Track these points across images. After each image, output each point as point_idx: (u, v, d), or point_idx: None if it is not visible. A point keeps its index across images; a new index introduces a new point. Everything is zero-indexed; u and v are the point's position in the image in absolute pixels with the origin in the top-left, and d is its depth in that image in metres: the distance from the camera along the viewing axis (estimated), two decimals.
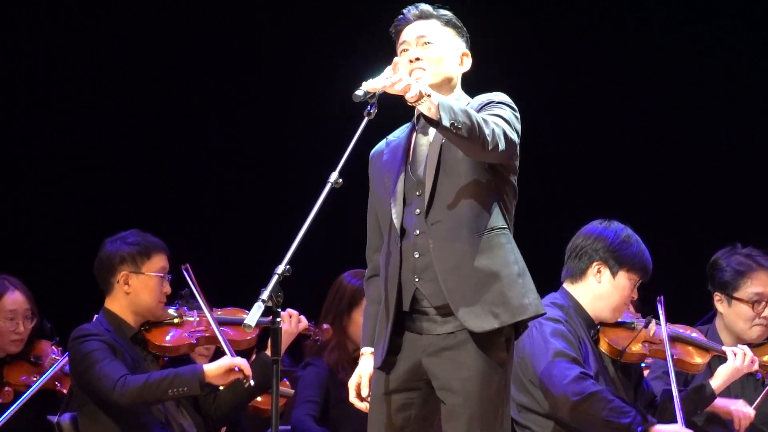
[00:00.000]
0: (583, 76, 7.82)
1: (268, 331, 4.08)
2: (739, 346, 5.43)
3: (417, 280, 4.17)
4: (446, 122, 3.93)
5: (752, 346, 5.61)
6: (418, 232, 4.17)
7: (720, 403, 5.44)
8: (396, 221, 4.19)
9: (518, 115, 4.21)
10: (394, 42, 4.35)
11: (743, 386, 5.62)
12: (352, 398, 4.28)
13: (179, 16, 7.90)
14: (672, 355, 5.31)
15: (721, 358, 5.44)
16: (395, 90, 4.00)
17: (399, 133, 4.35)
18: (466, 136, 3.97)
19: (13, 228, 7.62)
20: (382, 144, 4.37)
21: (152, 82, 7.91)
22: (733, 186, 7.68)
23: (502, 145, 4.05)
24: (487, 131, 4.01)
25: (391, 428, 4.19)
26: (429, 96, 3.97)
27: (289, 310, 5.51)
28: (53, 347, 5.67)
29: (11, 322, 5.62)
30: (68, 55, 7.82)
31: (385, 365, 4.20)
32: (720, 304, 5.69)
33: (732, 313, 5.64)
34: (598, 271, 5.23)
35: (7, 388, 5.51)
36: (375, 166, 4.34)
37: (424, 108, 3.98)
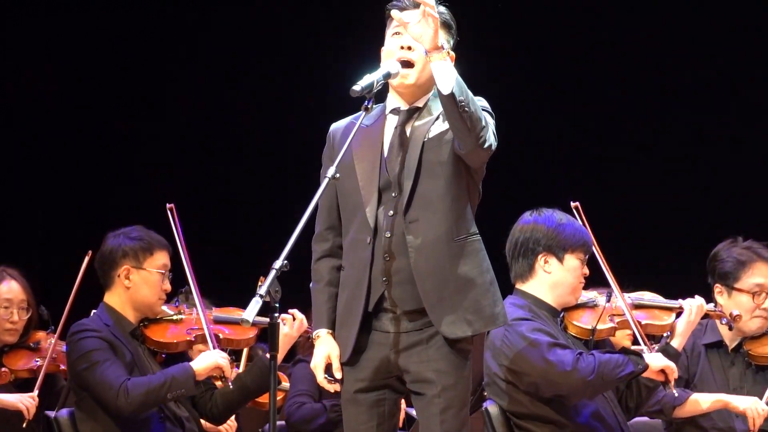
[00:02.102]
0: (580, 74, 7.82)
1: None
2: (696, 297, 5.45)
3: (386, 282, 4.15)
4: (458, 95, 3.94)
5: (751, 338, 5.64)
6: (389, 234, 4.15)
7: (733, 401, 5.47)
8: (371, 221, 4.16)
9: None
10: (386, 21, 4.27)
11: (741, 377, 5.62)
12: (321, 380, 4.22)
13: (184, 18, 7.93)
14: (640, 321, 5.35)
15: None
16: (427, 14, 3.96)
17: (367, 120, 4.25)
18: (468, 120, 3.98)
19: (18, 220, 7.64)
20: (346, 122, 4.29)
21: (152, 80, 7.94)
22: (735, 182, 7.69)
23: (489, 145, 4.08)
24: (484, 126, 4.04)
25: (368, 426, 4.20)
26: (449, 54, 4.01)
27: (293, 312, 5.50)
28: (50, 335, 5.66)
29: (6, 311, 5.63)
30: (68, 53, 7.85)
31: (350, 361, 4.20)
32: (720, 295, 5.68)
33: (732, 304, 5.62)
34: (546, 262, 5.21)
35: (3, 369, 5.51)
36: (338, 144, 4.23)
37: (439, 65, 3.98)
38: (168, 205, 5.42)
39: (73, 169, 7.85)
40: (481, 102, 4.19)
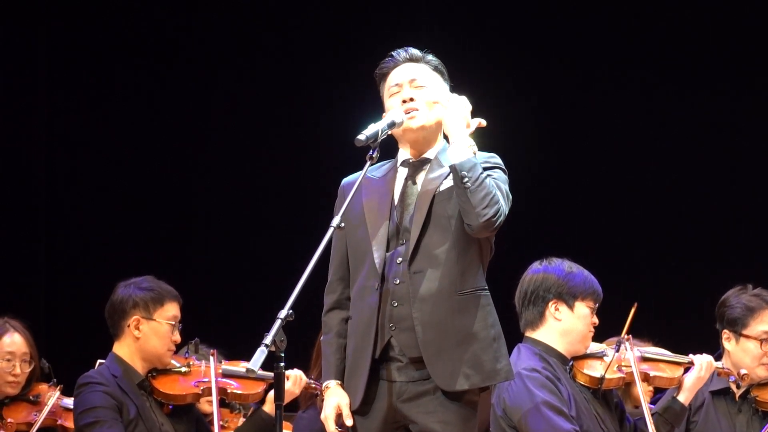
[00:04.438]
0: (576, 113, 7.85)
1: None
2: (704, 355, 5.45)
3: (393, 329, 4.15)
4: (461, 169, 4.04)
5: (758, 384, 5.62)
6: (398, 281, 4.16)
7: None
8: (378, 267, 4.17)
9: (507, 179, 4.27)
10: (379, 85, 4.36)
11: (748, 424, 5.60)
12: (332, 430, 4.21)
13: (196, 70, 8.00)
14: (648, 373, 5.37)
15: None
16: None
17: (378, 172, 4.32)
18: (470, 196, 4.05)
19: (23, 271, 7.67)
20: (356, 176, 4.29)
21: (162, 131, 7.98)
22: (745, 227, 7.67)
23: (494, 226, 4.11)
24: (489, 205, 4.07)
25: None
26: (471, 146, 4.14)
27: (296, 372, 5.47)
28: (51, 388, 5.65)
29: (8, 363, 5.61)
30: (76, 101, 7.91)
31: (360, 411, 4.19)
32: (728, 342, 5.67)
33: (739, 351, 5.62)
34: (556, 309, 5.23)
35: (9, 420, 5.50)
36: (348, 196, 4.22)
37: (457, 144, 4.09)
38: (211, 351, 5.42)
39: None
40: (494, 159, 4.24)
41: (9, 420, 5.50)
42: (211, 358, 5.39)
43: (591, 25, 7.82)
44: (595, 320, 5.29)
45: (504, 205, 4.13)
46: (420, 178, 4.26)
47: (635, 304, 5.37)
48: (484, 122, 4.23)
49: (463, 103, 4.21)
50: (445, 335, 4.12)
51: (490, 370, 4.14)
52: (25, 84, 7.84)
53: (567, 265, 5.29)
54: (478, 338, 4.13)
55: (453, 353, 4.11)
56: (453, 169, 4.08)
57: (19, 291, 7.51)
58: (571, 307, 5.22)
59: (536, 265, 5.34)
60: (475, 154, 4.13)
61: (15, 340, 5.65)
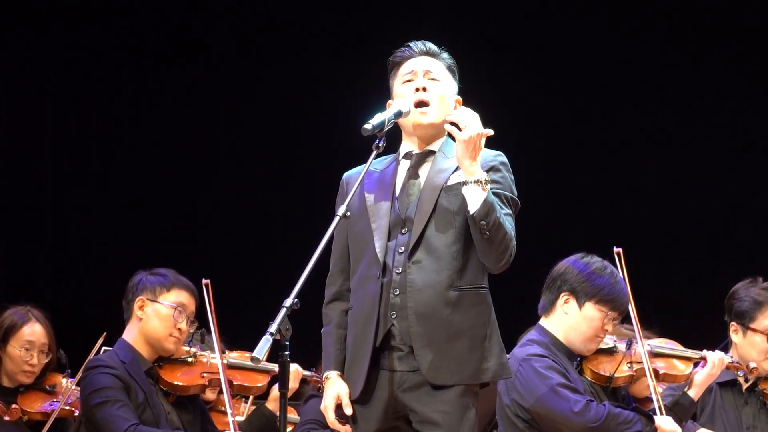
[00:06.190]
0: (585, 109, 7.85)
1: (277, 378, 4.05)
2: (717, 351, 5.44)
3: (394, 317, 4.14)
4: (479, 218, 4.02)
5: (766, 377, 5.63)
6: (399, 269, 4.15)
7: None
8: (380, 256, 4.17)
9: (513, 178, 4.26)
10: (390, 72, 4.34)
11: (755, 417, 5.61)
12: (332, 421, 4.21)
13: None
14: (658, 370, 5.35)
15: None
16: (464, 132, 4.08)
17: (380, 165, 4.32)
18: (488, 242, 4.05)
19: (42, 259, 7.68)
20: (358, 169, 4.30)
21: (165, 131, 7.99)
22: (745, 227, 7.67)
23: (507, 265, 4.12)
24: (507, 247, 4.07)
25: None
26: (483, 184, 4.07)
27: (293, 366, 5.45)
28: (65, 378, 5.64)
29: (26, 353, 5.62)
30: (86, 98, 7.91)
31: (362, 400, 4.19)
32: (735, 334, 5.66)
33: (746, 344, 5.61)
34: (566, 302, 5.21)
35: (14, 406, 5.49)
36: (350, 188, 4.23)
37: (471, 189, 4.06)
38: (204, 281, 5.42)
39: (109, 246, 7.86)
40: (499, 157, 4.23)
41: (13, 406, 5.49)
42: (204, 290, 5.39)
43: (591, 25, 7.83)
44: (608, 328, 5.24)
45: (513, 237, 4.11)
46: (424, 169, 4.25)
47: (618, 250, 5.32)
48: (491, 131, 4.17)
49: (476, 128, 4.11)
50: (435, 328, 4.11)
51: (476, 368, 4.13)
52: (28, 84, 7.85)
53: (598, 266, 5.25)
54: (468, 335, 4.13)
55: (441, 347, 4.11)
56: (472, 219, 4.06)
57: (25, 289, 7.50)
58: (580, 305, 5.19)
59: (572, 256, 5.32)
60: (487, 190, 4.08)
61: (35, 330, 5.66)
